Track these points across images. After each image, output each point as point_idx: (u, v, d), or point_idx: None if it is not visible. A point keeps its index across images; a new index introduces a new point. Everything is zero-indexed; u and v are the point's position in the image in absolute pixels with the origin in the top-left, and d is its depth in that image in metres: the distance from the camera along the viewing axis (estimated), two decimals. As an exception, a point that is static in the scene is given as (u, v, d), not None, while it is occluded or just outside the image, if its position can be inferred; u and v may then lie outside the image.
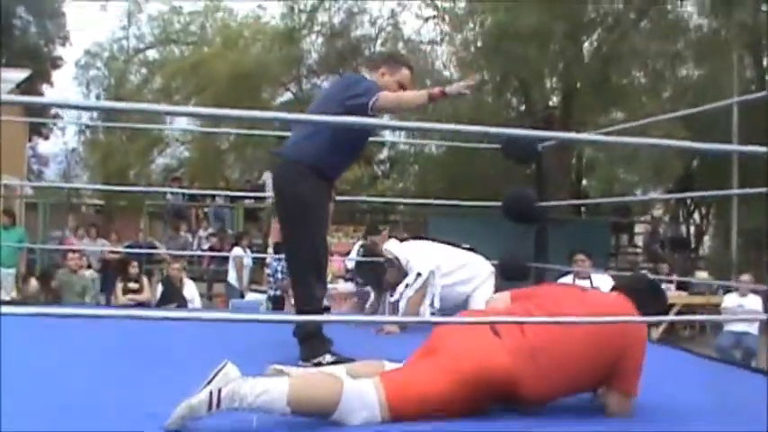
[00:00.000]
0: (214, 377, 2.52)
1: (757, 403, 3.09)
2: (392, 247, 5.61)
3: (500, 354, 2.79)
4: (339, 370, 2.93)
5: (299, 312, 3.96)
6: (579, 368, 2.88)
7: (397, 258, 5.46)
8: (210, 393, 2.48)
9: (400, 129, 12.43)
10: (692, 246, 19.93)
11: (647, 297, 3.13)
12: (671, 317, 2.43)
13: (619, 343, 2.90)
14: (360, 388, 2.66)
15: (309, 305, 3.88)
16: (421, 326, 4.66)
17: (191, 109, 2.22)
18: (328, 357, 3.71)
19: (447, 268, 5.52)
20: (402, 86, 4.04)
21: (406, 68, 4.16)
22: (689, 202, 20.02)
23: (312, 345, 3.79)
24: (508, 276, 5.95)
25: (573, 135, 2.15)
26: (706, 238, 21.16)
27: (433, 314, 5.42)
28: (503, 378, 2.75)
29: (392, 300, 5.61)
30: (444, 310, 5.41)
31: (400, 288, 5.45)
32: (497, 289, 5.47)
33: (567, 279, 6.89)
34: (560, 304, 3.03)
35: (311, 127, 3.91)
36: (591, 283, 6.48)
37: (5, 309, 1.58)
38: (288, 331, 3.88)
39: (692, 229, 20.79)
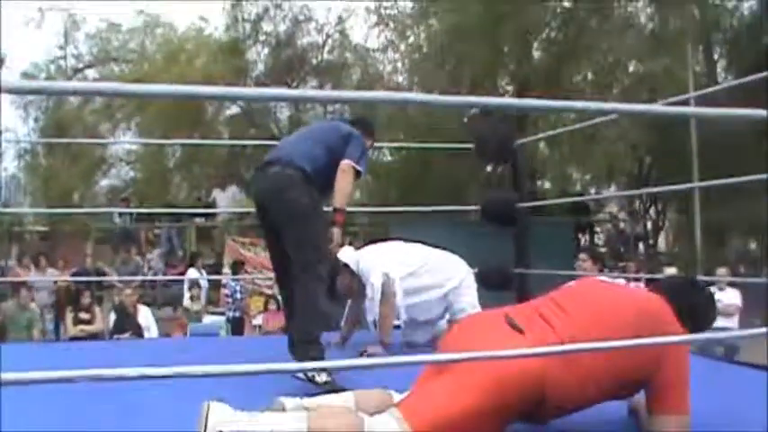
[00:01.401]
0: (206, 423, 2.17)
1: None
2: (343, 254, 5.12)
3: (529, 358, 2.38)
4: (348, 400, 2.56)
5: (301, 326, 3.68)
6: (615, 363, 2.42)
7: (346, 265, 5.00)
8: None
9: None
10: (651, 242, 19.89)
11: (695, 308, 2.68)
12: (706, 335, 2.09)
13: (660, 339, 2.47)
14: (381, 423, 2.28)
15: (314, 321, 3.66)
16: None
17: (171, 88, 1.87)
18: (324, 377, 3.38)
19: (408, 267, 4.94)
20: None
21: (371, 143, 4.45)
22: (644, 197, 19.96)
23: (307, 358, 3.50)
24: (490, 285, 5.52)
25: (555, 103, 1.79)
26: (661, 234, 21.14)
27: (398, 327, 5.00)
28: (531, 377, 2.34)
29: (369, 319, 5.15)
30: (420, 323, 4.99)
31: (368, 305, 5.01)
32: (480, 298, 5.05)
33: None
34: (591, 295, 2.65)
35: (306, 144, 3.96)
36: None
37: None
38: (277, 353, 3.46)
39: (649, 224, 20.73)
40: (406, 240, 5.32)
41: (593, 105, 1.78)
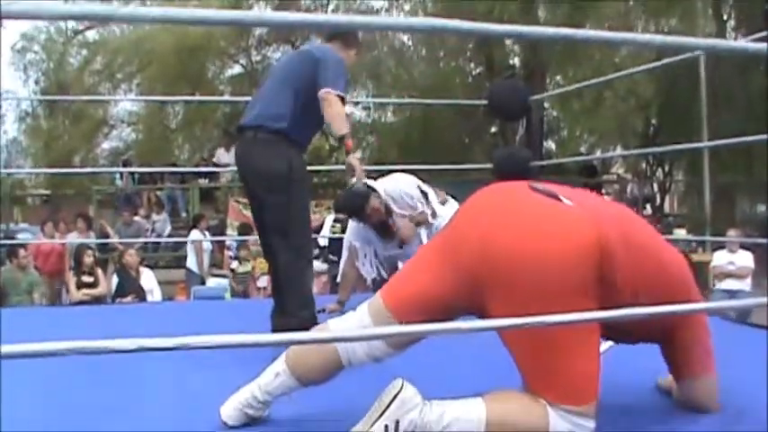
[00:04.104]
0: (390, 403, 1.95)
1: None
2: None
3: (585, 221, 2.02)
4: None
5: (288, 314, 3.44)
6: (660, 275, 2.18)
7: (373, 189, 4.68)
8: (386, 428, 1.93)
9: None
10: (658, 203, 19.70)
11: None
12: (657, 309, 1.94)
13: (684, 278, 2.30)
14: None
15: (303, 298, 3.42)
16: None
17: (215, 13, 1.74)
18: None
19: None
20: None
21: (356, 52, 3.97)
22: (651, 158, 19.72)
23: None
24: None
25: (578, 31, 1.58)
26: (667, 196, 20.95)
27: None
28: (598, 248, 1.97)
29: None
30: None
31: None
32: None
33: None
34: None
35: (277, 94, 3.60)
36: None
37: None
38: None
39: (656, 186, 20.53)
40: None
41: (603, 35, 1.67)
